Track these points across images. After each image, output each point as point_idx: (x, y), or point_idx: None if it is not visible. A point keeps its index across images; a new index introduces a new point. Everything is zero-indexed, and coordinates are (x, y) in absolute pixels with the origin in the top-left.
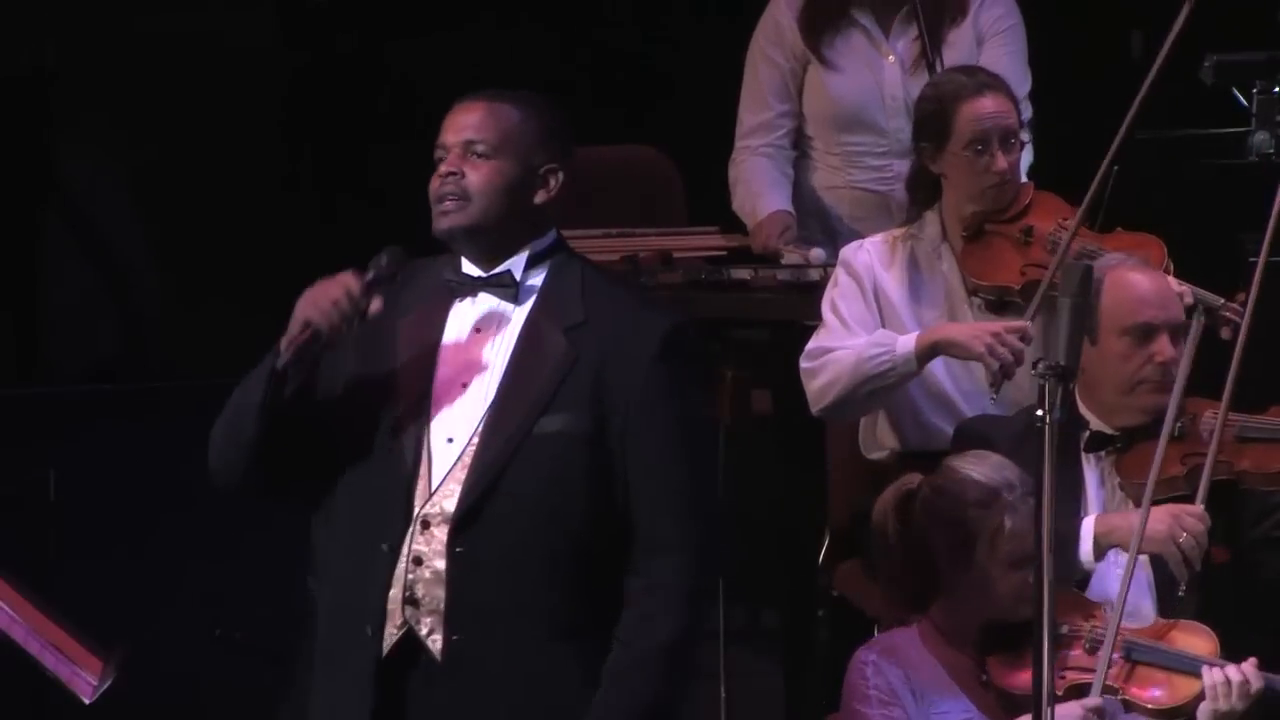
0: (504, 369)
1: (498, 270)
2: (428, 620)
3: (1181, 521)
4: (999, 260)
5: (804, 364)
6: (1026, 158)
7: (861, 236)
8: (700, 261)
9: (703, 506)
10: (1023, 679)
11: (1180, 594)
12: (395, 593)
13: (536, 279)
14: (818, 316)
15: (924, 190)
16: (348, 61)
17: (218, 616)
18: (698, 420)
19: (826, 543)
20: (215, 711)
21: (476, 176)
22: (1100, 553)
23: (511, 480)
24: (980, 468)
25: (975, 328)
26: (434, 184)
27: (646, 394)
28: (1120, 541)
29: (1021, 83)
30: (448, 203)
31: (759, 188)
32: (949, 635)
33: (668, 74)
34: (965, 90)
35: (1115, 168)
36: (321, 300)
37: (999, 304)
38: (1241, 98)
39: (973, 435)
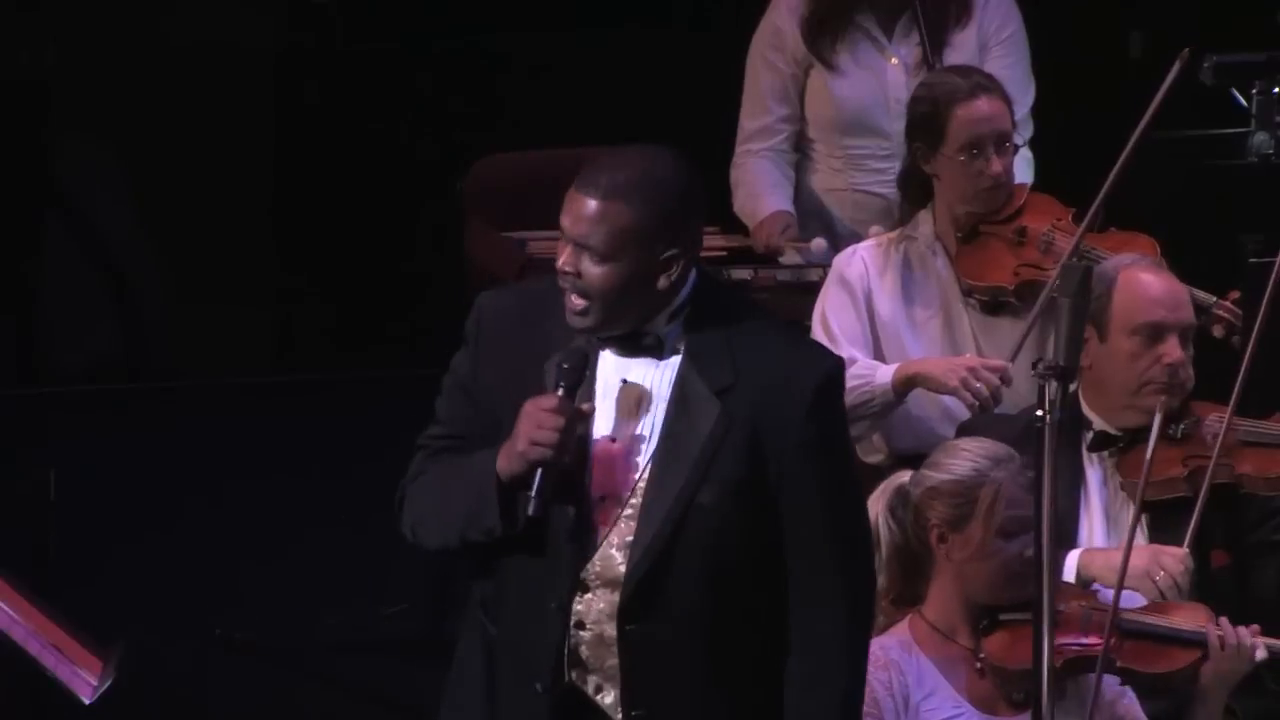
0: (659, 434)
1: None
2: (593, 679)
3: (1160, 560)
4: (993, 261)
5: None
6: (1027, 172)
7: (862, 239)
8: (700, 262)
9: (860, 553)
10: (1019, 653)
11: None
12: (562, 655)
13: (677, 331)
14: None
15: (916, 188)
16: (348, 61)
17: (218, 616)
18: (851, 465)
19: None
20: (215, 711)
21: (591, 280)
22: (1082, 585)
23: (677, 552)
24: (975, 443)
25: (951, 362)
26: (559, 264)
27: (802, 449)
28: (1098, 576)
29: (1024, 92)
30: (574, 299)
31: (760, 189)
32: (941, 627)
33: (667, 74)
34: (960, 93)
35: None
36: (540, 436)
37: (993, 305)
38: (1241, 98)
39: (973, 435)
